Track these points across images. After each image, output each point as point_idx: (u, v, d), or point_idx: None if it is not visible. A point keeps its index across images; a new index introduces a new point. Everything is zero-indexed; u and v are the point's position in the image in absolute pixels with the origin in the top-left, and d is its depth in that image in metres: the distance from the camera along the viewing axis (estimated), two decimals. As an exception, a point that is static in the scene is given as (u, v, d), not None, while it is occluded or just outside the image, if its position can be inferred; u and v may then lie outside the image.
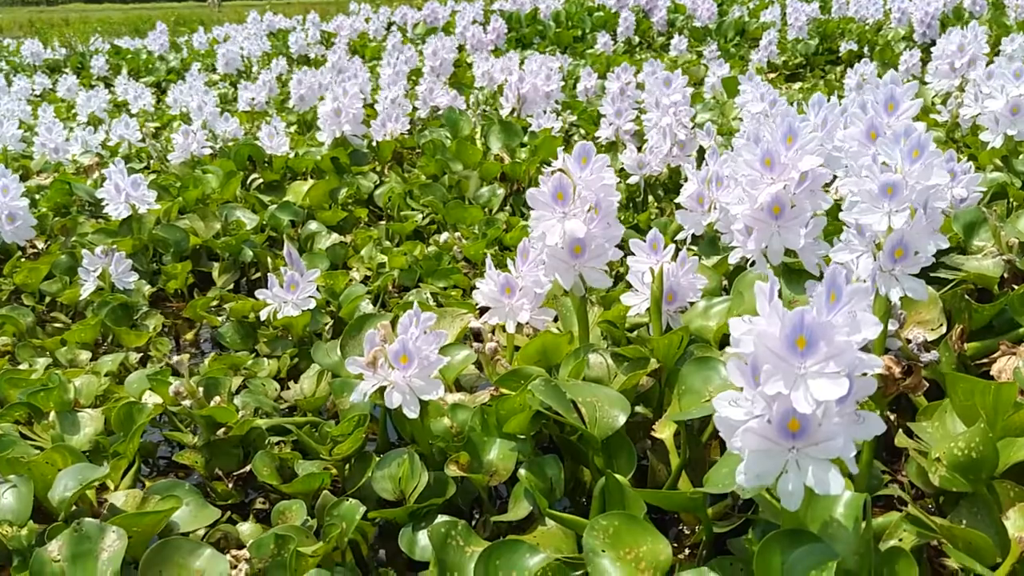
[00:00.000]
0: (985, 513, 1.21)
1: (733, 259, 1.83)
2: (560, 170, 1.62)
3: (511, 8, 9.71)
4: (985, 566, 1.06)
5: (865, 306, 1.01)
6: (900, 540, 1.18)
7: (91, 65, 8.55)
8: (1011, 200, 2.43)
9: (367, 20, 10.21)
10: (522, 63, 5.40)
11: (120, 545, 1.20)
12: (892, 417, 1.64)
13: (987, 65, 3.52)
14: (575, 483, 1.55)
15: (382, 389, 1.46)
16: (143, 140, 4.39)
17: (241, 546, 1.32)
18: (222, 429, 1.65)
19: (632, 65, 4.21)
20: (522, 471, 1.40)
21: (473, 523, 1.51)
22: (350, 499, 1.36)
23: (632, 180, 3.15)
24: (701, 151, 2.97)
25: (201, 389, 1.64)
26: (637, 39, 8.37)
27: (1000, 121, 2.79)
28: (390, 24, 10.40)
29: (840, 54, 7.00)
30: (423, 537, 1.34)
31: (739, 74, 4.80)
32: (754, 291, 1.03)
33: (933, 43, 4.64)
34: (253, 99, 5.35)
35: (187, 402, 1.61)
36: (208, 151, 3.94)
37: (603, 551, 1.11)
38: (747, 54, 7.38)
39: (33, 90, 7.48)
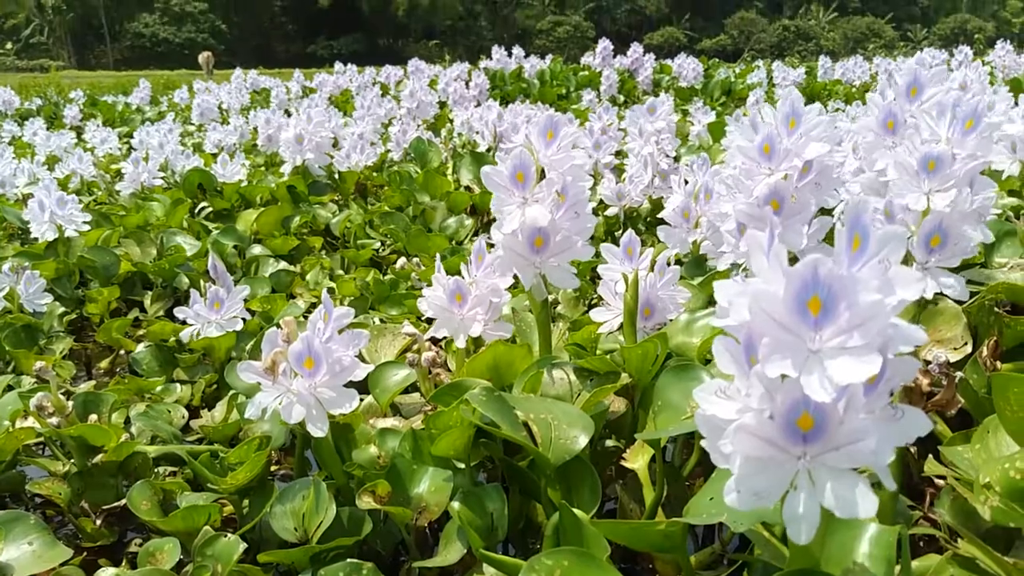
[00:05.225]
0: (1051, 558, 0.92)
1: (723, 265, 1.56)
2: (522, 147, 1.36)
3: (496, 67, 9.62)
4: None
5: (900, 260, 0.74)
6: (947, 590, 0.90)
7: (64, 115, 8.33)
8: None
9: (351, 80, 10.09)
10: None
11: None
12: (912, 450, 1.36)
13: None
14: (526, 523, 1.25)
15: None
16: (95, 176, 4.13)
17: (79, 594, 1.01)
18: (100, 456, 1.35)
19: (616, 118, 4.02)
20: (455, 504, 1.11)
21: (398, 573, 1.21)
22: (228, 535, 1.06)
23: (611, 212, 2.90)
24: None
25: (71, 404, 1.34)
26: (622, 98, 8.25)
27: (1018, 147, 2.59)
28: (375, 83, 10.28)
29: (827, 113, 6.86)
30: (323, 587, 1.03)
31: (726, 116, 4.60)
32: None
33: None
34: (220, 141, 5.12)
35: (54, 420, 1.32)
36: (160, 182, 3.68)
37: (545, 599, 0.82)
38: (733, 112, 7.25)
39: (0, 137, 7.24)
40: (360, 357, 1.25)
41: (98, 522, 1.31)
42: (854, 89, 7.90)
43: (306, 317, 2.19)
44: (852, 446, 0.70)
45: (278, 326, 1.18)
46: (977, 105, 1.12)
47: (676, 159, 4.14)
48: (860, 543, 0.85)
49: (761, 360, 0.70)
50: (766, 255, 0.73)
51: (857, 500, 0.68)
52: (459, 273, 1.50)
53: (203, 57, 17.33)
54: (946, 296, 1.20)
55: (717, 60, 11.85)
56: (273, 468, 1.54)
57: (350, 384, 1.19)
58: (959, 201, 1.11)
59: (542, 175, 1.35)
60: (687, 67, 8.63)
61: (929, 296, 1.13)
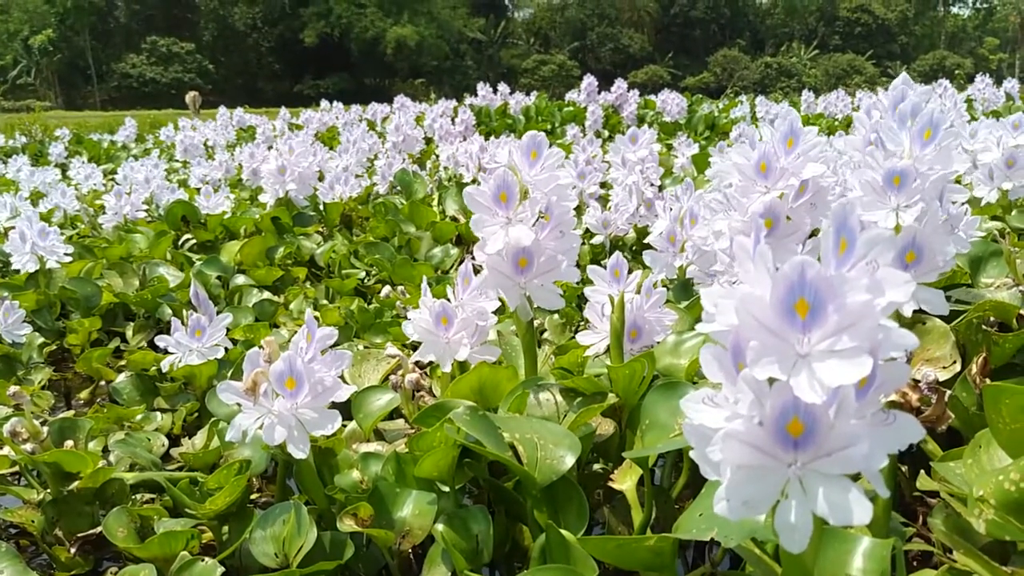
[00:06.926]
0: (1048, 572, 0.90)
1: (716, 285, 1.55)
2: (505, 166, 1.34)
3: (481, 103, 9.68)
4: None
5: (888, 262, 0.72)
6: (943, 605, 0.88)
7: (49, 152, 8.31)
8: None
9: (337, 118, 10.13)
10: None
11: None
12: (903, 469, 1.35)
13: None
14: (512, 545, 1.22)
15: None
16: (78, 210, 4.11)
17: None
18: (75, 483, 1.32)
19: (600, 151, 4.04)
20: (439, 526, 1.08)
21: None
22: (205, 560, 1.03)
23: (596, 240, 2.91)
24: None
25: (47, 431, 1.31)
26: (607, 132, 8.30)
27: (995, 174, 2.59)
28: (361, 119, 10.32)
29: (811, 145, 6.92)
30: (304, 612, 1.00)
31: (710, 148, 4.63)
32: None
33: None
34: (205, 175, 5.11)
35: (28, 446, 1.28)
36: (143, 215, 3.66)
37: (531, 617, 0.79)
38: (716, 145, 7.31)
39: (-17, 174, 7.20)
40: (342, 381, 1.23)
41: (72, 550, 1.28)
42: (837, 122, 7.98)
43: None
44: (844, 451, 0.68)
45: (260, 347, 1.16)
46: (932, 114, 1.11)
47: (660, 189, 4.17)
48: (854, 558, 0.83)
49: (749, 364, 0.69)
50: (751, 258, 0.72)
51: (851, 506, 0.66)
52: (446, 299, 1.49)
53: (190, 97, 17.35)
54: (929, 313, 1.19)
55: (700, 96, 11.97)
56: (254, 496, 1.50)
57: (333, 406, 1.17)
58: (930, 214, 1.10)
59: (525, 195, 1.34)
60: (671, 102, 8.71)
61: (909, 313, 1.11)
